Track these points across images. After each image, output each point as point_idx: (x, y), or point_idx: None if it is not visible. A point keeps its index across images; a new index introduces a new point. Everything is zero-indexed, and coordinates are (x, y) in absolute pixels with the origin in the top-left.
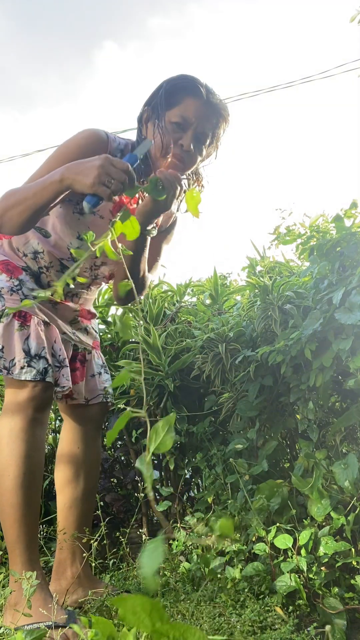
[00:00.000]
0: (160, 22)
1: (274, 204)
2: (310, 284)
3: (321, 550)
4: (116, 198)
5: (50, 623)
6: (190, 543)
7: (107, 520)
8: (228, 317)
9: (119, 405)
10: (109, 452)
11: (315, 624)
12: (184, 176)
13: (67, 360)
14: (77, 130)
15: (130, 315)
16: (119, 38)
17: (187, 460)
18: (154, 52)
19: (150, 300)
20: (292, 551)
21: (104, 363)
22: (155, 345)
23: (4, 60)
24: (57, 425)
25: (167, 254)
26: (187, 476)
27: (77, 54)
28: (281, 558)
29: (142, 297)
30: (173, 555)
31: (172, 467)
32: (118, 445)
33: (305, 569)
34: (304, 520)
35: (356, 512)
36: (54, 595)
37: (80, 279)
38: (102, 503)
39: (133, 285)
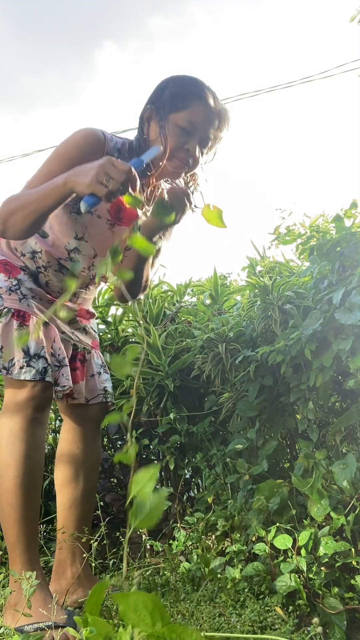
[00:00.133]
0: (160, 22)
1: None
2: (310, 284)
3: (321, 550)
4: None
5: (50, 623)
6: (190, 543)
7: (107, 520)
8: (228, 317)
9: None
10: (109, 452)
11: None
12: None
13: (66, 360)
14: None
15: (130, 315)
16: (118, 38)
17: (187, 460)
18: (154, 53)
19: (150, 300)
20: (292, 551)
21: (103, 363)
22: (155, 345)
23: (4, 60)
24: (57, 425)
25: (167, 251)
26: (187, 476)
27: (77, 54)
28: (281, 558)
29: (141, 297)
30: (173, 555)
31: (172, 467)
32: (118, 445)
33: (305, 569)
34: (303, 520)
35: (356, 512)
36: (54, 596)
37: (73, 285)
38: (102, 503)
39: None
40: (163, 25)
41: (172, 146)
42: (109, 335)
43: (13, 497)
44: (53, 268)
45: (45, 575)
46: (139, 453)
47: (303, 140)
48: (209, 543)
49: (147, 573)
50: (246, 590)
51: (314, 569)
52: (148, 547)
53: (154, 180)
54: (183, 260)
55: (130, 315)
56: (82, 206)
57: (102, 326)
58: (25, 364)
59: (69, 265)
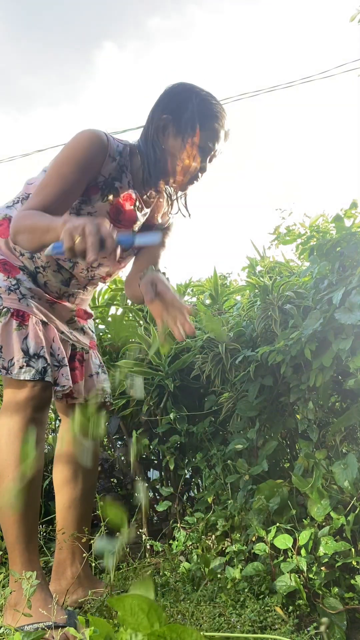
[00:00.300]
0: (160, 22)
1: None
2: (310, 284)
3: (321, 550)
4: (114, 205)
5: (50, 623)
6: (190, 543)
7: (106, 520)
8: (228, 317)
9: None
10: (109, 452)
11: (315, 624)
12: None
13: (66, 360)
14: (77, 130)
15: (130, 315)
16: (118, 38)
17: (187, 460)
18: (153, 53)
19: None
20: (292, 551)
21: (101, 363)
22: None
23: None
24: (57, 425)
25: (167, 250)
26: (187, 476)
27: (77, 54)
28: (281, 558)
29: None
30: (173, 555)
31: (172, 467)
32: (118, 445)
33: (305, 569)
34: (303, 520)
35: (356, 512)
36: (54, 596)
37: (64, 289)
38: (102, 503)
39: None
40: (163, 26)
41: (193, 167)
42: (109, 336)
43: (13, 497)
44: (52, 268)
45: (45, 575)
46: (139, 453)
47: (303, 140)
48: (209, 543)
49: (147, 573)
50: (246, 590)
51: (314, 569)
52: (148, 547)
53: (160, 188)
54: (183, 260)
55: (131, 315)
56: (47, 250)
57: (102, 326)
58: (25, 364)
59: (67, 265)
